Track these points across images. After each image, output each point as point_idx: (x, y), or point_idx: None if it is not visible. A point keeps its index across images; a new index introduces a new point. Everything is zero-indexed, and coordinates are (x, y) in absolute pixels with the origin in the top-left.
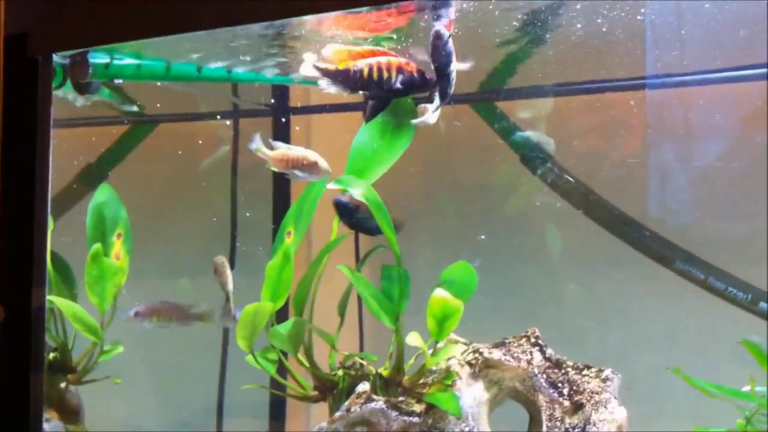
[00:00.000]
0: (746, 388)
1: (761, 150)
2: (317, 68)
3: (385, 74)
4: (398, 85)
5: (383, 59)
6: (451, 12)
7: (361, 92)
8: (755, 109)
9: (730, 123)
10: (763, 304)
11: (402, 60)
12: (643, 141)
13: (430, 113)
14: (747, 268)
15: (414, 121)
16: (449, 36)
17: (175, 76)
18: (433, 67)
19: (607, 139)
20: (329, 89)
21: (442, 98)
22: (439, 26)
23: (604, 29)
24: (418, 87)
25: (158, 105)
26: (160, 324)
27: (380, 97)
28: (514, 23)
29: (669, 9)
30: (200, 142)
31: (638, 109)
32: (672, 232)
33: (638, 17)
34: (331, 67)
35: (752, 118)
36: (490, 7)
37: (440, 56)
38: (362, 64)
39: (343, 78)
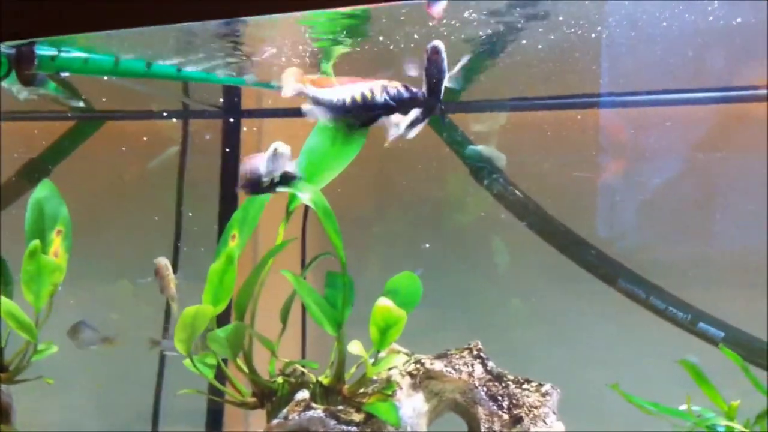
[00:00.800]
0: (683, 407)
1: (708, 174)
2: (303, 93)
3: (369, 95)
4: (386, 103)
5: (366, 84)
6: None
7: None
8: (705, 133)
9: (680, 146)
10: (702, 325)
11: (384, 81)
12: (593, 160)
13: (404, 126)
14: (691, 291)
15: (389, 137)
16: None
17: (123, 71)
18: (425, 80)
19: (559, 157)
20: (315, 116)
21: (431, 112)
22: (437, 42)
23: (559, 46)
24: (406, 103)
25: (103, 99)
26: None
27: (370, 118)
28: (480, 34)
29: (624, 29)
30: (145, 139)
31: (590, 128)
32: (619, 252)
33: (593, 35)
34: (319, 93)
35: (702, 141)
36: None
37: (434, 71)
38: (348, 90)
39: (329, 104)
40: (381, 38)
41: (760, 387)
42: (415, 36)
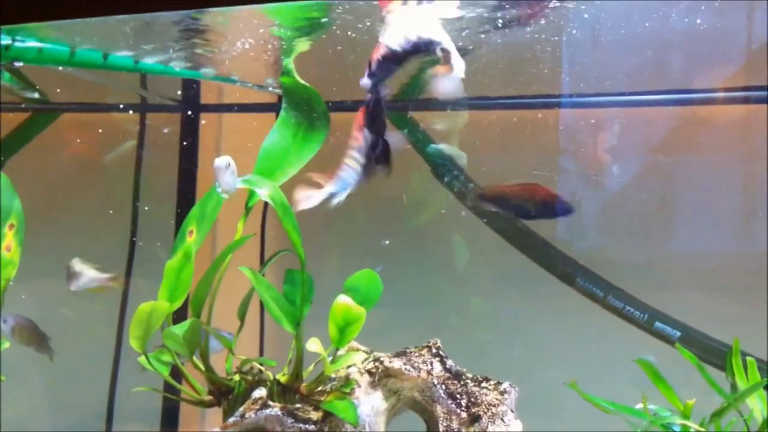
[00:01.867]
0: (639, 406)
1: (668, 176)
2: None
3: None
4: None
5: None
6: None
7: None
8: (664, 135)
9: (640, 148)
10: (658, 324)
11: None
12: (554, 160)
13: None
14: (648, 292)
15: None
16: None
17: (79, 62)
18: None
19: (520, 157)
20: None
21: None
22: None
23: (521, 47)
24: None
25: (58, 90)
26: (15, 341)
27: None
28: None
29: (586, 31)
30: (100, 131)
31: (551, 128)
32: (577, 252)
33: (554, 38)
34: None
35: (661, 144)
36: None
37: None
38: (360, 142)
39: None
40: (339, 32)
41: (716, 386)
42: (378, 30)
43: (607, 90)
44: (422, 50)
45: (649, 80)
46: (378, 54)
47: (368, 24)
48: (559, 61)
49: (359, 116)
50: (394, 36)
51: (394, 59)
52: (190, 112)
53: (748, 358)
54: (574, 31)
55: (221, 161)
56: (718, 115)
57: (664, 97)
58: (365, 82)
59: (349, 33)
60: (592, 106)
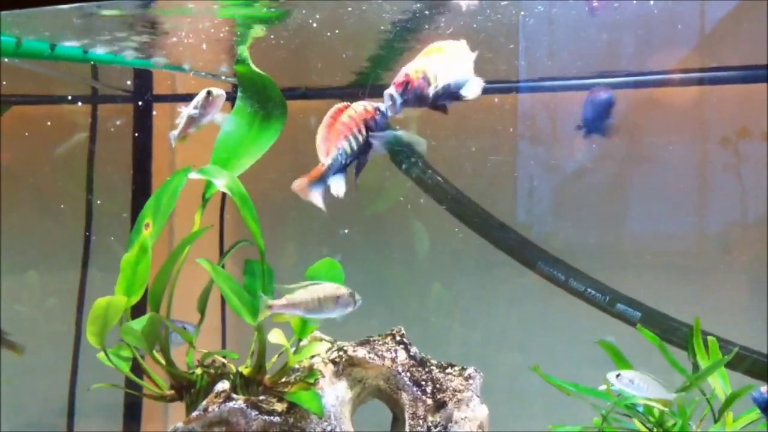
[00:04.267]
0: (602, 387)
1: (624, 159)
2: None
3: (360, 138)
4: (373, 139)
5: (348, 124)
6: None
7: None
8: (620, 118)
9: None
10: (620, 306)
11: (360, 110)
12: (512, 145)
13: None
14: (606, 274)
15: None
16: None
17: (25, 53)
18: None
19: (478, 142)
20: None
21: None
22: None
23: (480, 30)
24: (381, 127)
25: (4, 83)
26: None
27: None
28: (387, 18)
29: (541, 15)
30: (49, 123)
31: (508, 113)
32: (537, 236)
33: (513, 21)
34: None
35: (618, 127)
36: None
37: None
38: (339, 146)
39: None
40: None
41: (677, 366)
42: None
43: (561, 74)
44: (451, 95)
45: (603, 63)
46: (417, 84)
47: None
48: (516, 46)
49: (356, 118)
50: (437, 75)
51: (423, 98)
52: (141, 103)
53: (709, 338)
54: (528, 19)
55: None
56: (671, 97)
57: (618, 80)
58: (392, 107)
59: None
60: (549, 91)
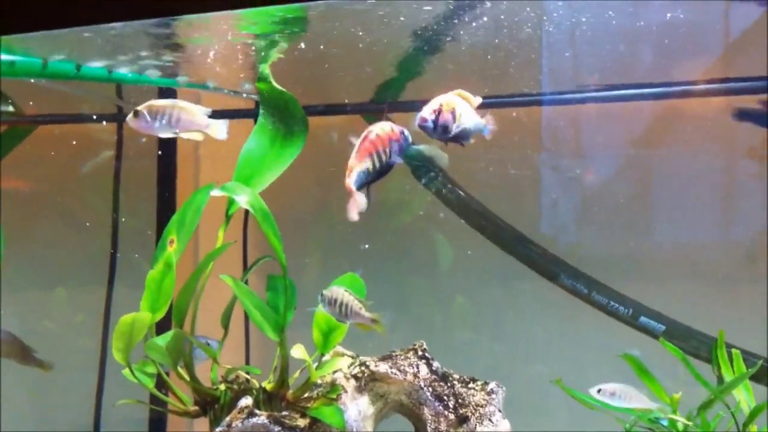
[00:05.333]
0: None
1: (648, 170)
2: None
3: (384, 157)
4: (394, 158)
5: (375, 140)
6: None
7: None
8: (644, 129)
9: (621, 143)
10: (643, 319)
11: (387, 130)
12: (535, 158)
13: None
14: (632, 286)
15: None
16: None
17: (52, 74)
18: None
19: (501, 155)
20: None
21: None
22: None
23: (503, 44)
24: (403, 149)
25: (31, 103)
26: None
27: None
28: (409, 36)
29: (565, 26)
30: (74, 142)
31: (532, 126)
32: (561, 248)
33: (537, 31)
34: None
35: (641, 138)
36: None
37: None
38: (364, 164)
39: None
40: (316, 40)
41: (701, 379)
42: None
43: (586, 86)
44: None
45: (628, 75)
46: (445, 117)
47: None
48: (538, 59)
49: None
50: (461, 113)
51: (447, 130)
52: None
53: (733, 350)
54: (550, 28)
55: None
56: (697, 107)
57: (643, 92)
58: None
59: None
60: (572, 103)
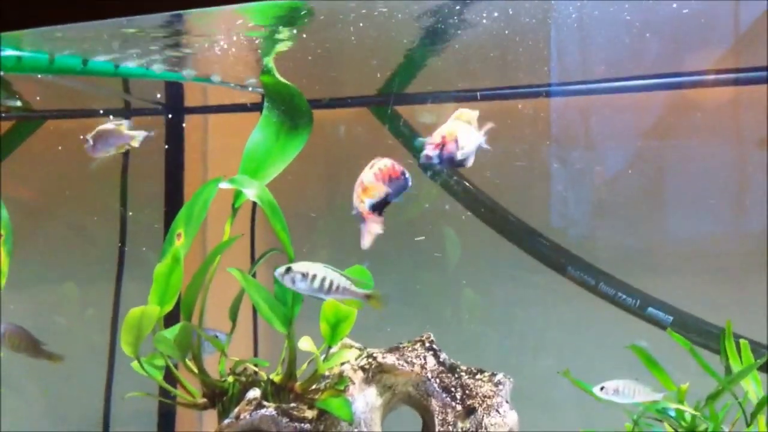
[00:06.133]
0: None
1: (658, 161)
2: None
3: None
4: (392, 197)
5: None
6: None
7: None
8: (655, 120)
9: (630, 134)
10: (651, 310)
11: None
12: (546, 150)
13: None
14: (641, 278)
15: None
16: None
17: (58, 69)
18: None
19: (510, 147)
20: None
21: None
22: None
23: (510, 35)
24: (401, 190)
25: (38, 98)
26: (7, 349)
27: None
28: (417, 26)
29: (573, 17)
30: (82, 137)
31: (540, 118)
32: (571, 240)
33: (540, 26)
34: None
35: (652, 129)
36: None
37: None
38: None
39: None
40: (321, 33)
41: (709, 369)
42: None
43: (595, 77)
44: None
45: (638, 65)
46: (449, 148)
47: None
48: (547, 50)
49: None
50: (462, 140)
51: (452, 160)
52: (171, 115)
53: (741, 340)
54: (559, 19)
55: None
56: (708, 98)
57: (653, 82)
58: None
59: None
60: (581, 94)
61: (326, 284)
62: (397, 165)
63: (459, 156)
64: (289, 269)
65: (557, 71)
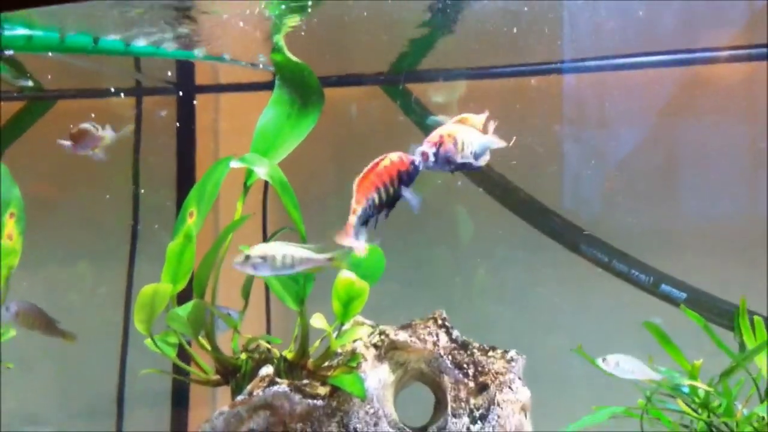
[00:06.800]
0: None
1: (674, 141)
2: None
3: (391, 189)
4: (404, 191)
5: (381, 174)
6: None
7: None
8: (667, 98)
9: (642, 112)
10: (664, 287)
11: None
12: (558, 128)
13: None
14: (654, 257)
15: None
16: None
17: (69, 47)
18: None
19: (522, 126)
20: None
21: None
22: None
23: (521, 13)
24: (413, 179)
25: (49, 77)
26: (21, 326)
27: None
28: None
29: None
30: (93, 116)
31: (553, 95)
32: (584, 220)
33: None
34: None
35: (664, 107)
36: None
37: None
38: (371, 196)
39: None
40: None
41: (723, 346)
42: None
43: (606, 53)
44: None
45: (650, 42)
46: (447, 147)
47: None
48: (559, 27)
49: (390, 168)
50: (464, 142)
51: (450, 161)
52: (181, 93)
53: (756, 317)
54: None
55: None
56: (721, 76)
57: (664, 58)
58: (423, 162)
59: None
60: (594, 71)
61: (287, 261)
62: (405, 156)
63: (459, 159)
64: (247, 257)
65: (569, 48)
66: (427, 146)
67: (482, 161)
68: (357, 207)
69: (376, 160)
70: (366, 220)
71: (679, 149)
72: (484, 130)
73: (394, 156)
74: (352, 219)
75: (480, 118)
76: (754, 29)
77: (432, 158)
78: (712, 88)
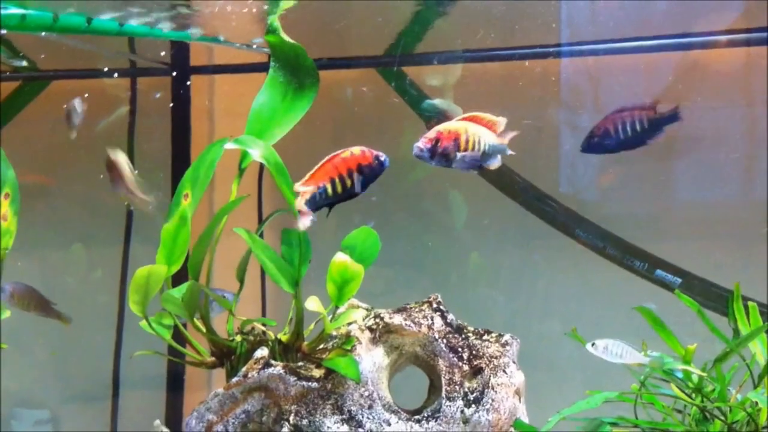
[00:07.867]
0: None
1: (671, 126)
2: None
3: (348, 182)
4: (358, 186)
5: (338, 166)
6: None
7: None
8: (665, 83)
9: (642, 98)
10: (659, 272)
11: (357, 153)
12: (555, 112)
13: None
14: (650, 243)
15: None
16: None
17: (62, 27)
18: None
19: (518, 109)
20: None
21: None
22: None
23: None
24: (377, 174)
25: (42, 56)
26: (16, 308)
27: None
28: None
29: None
30: (86, 95)
31: (550, 79)
32: (580, 205)
33: None
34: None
35: (661, 92)
36: None
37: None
38: (323, 184)
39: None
40: None
41: (717, 331)
42: None
43: (604, 37)
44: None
45: (649, 26)
46: (445, 145)
47: None
48: (557, 11)
49: (350, 160)
50: (467, 140)
51: (448, 159)
52: (175, 74)
53: (750, 303)
54: None
55: None
56: (718, 61)
57: (661, 42)
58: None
59: None
60: (591, 54)
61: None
62: (369, 151)
63: (458, 155)
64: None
65: (567, 31)
66: (422, 142)
67: (492, 164)
68: (301, 189)
69: (338, 151)
70: (317, 207)
71: (675, 134)
72: (497, 131)
73: (356, 149)
74: (299, 201)
75: (499, 120)
76: (753, 14)
77: (427, 155)
78: (709, 73)
